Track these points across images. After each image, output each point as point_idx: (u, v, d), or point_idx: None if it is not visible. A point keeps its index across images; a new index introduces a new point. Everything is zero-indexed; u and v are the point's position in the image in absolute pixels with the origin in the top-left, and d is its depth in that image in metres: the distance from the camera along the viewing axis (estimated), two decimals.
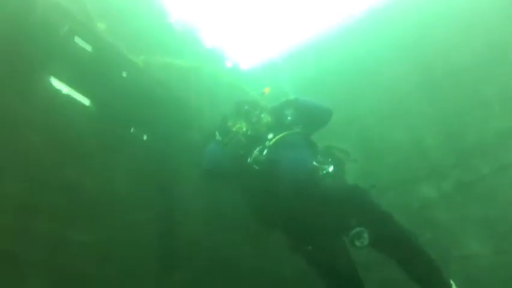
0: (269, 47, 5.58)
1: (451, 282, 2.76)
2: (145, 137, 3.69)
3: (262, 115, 3.28)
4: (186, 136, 3.84)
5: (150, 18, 4.29)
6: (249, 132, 3.17)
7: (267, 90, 3.48)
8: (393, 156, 4.58)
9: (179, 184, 3.71)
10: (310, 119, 3.28)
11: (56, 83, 2.94)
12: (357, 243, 2.67)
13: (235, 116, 3.27)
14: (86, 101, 3.17)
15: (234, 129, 3.17)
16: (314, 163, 2.91)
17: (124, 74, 3.50)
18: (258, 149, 2.99)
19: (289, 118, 3.21)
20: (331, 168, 2.87)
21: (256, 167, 2.93)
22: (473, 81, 4.29)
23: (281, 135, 3.07)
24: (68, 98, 3.03)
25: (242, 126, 3.20)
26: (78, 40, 3.16)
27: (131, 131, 3.58)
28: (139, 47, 3.78)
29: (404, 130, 4.61)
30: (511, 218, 3.73)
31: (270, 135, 3.10)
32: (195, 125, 3.90)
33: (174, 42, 4.42)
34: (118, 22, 3.68)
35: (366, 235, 2.66)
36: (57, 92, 2.96)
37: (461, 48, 4.42)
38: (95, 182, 2.96)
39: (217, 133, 3.21)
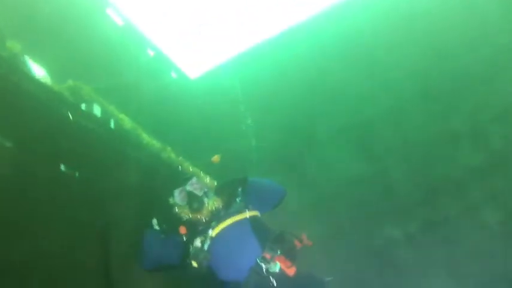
0: (216, 54, 5.08)
1: None
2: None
3: (207, 199, 2.78)
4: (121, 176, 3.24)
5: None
6: (190, 219, 2.69)
7: (216, 159, 2.99)
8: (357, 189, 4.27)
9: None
10: (261, 201, 2.83)
11: None
12: None
13: (176, 199, 2.77)
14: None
15: (175, 215, 2.71)
16: (258, 261, 2.47)
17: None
18: (199, 240, 2.58)
19: (238, 200, 2.76)
20: (275, 269, 2.45)
21: (195, 266, 2.51)
22: (443, 109, 4.06)
23: (224, 225, 2.62)
24: None
25: (184, 212, 2.73)
26: None
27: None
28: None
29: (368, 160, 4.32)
30: (476, 262, 3.56)
31: (213, 223, 2.64)
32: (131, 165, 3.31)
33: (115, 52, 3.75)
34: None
35: None
36: None
37: (432, 73, 4.16)
38: None
39: (154, 221, 2.70)
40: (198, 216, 2.67)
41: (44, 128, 2.76)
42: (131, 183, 3.49)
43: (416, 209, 3.92)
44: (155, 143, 2.93)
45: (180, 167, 2.93)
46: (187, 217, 2.69)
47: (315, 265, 3.93)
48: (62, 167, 3.04)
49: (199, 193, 2.77)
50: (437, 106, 4.07)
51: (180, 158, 2.95)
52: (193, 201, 2.71)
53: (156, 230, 2.67)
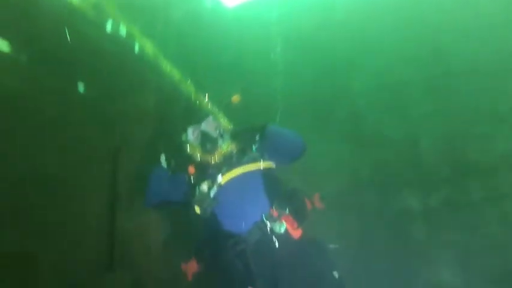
0: None
1: None
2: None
3: (221, 142, 2.61)
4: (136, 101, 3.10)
5: None
6: (201, 161, 2.55)
7: (236, 98, 2.71)
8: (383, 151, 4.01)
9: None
10: (278, 153, 2.63)
11: None
12: None
13: (189, 137, 2.63)
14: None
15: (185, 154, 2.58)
16: (264, 218, 2.33)
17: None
18: (206, 184, 2.43)
19: (254, 148, 2.56)
20: (280, 229, 2.29)
21: (198, 212, 2.39)
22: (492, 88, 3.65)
23: (235, 173, 2.47)
24: None
25: (196, 152, 2.54)
26: None
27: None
28: None
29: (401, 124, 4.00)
30: (490, 254, 3.38)
31: (224, 170, 2.49)
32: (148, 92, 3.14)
33: None
34: None
35: None
36: None
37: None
38: None
39: (162, 158, 2.55)
40: (210, 159, 2.54)
41: (62, 44, 2.61)
42: (146, 110, 3.38)
43: (440, 185, 3.68)
44: (176, 73, 2.71)
45: (198, 102, 2.72)
46: (198, 158, 2.56)
47: (321, 225, 3.90)
48: (79, 86, 2.94)
49: (214, 134, 2.59)
50: (487, 84, 3.66)
51: (200, 93, 2.74)
52: (207, 141, 2.55)
53: (163, 167, 2.57)
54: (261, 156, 2.57)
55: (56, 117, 2.71)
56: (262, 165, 2.54)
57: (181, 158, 2.59)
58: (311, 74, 4.34)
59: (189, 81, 2.77)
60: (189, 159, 2.57)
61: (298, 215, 2.40)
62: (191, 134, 2.60)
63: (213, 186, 2.41)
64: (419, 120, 3.95)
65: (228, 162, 2.53)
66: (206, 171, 2.52)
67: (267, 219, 2.31)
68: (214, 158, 2.52)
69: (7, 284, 2.28)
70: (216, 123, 2.65)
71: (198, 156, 2.54)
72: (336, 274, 2.32)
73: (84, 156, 3.02)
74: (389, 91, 4.13)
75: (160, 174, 2.57)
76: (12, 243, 2.37)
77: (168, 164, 2.56)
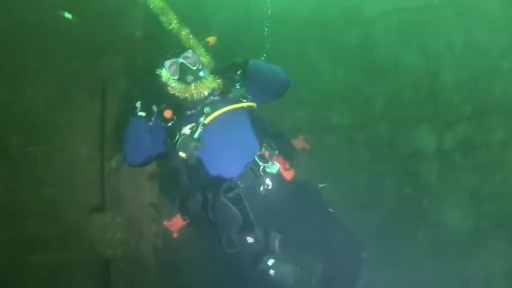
0: None
1: None
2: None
3: (203, 74, 2.27)
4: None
5: None
6: (178, 100, 2.22)
7: (212, 40, 2.38)
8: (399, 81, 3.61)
9: None
10: (261, 89, 2.35)
11: None
12: None
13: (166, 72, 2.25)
14: None
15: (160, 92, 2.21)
16: (255, 158, 2.12)
17: None
18: (189, 126, 2.17)
19: (237, 86, 2.28)
20: (273, 170, 2.09)
21: (183, 156, 2.10)
22: None
23: (220, 112, 2.19)
24: None
25: (173, 87, 2.20)
26: None
27: None
28: None
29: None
30: (504, 199, 3.16)
31: (207, 109, 2.21)
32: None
33: None
34: None
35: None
36: None
37: None
38: None
39: (138, 104, 2.19)
40: (189, 94, 2.23)
41: None
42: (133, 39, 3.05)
43: (458, 124, 3.35)
44: (157, 2, 2.30)
45: (178, 34, 2.35)
46: (175, 94, 2.24)
47: (330, 158, 3.66)
48: (63, 13, 2.63)
49: (193, 68, 2.26)
50: None
51: (180, 25, 2.36)
52: (186, 74, 2.22)
53: (140, 116, 2.24)
54: (245, 95, 2.31)
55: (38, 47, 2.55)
56: (246, 104, 2.29)
57: (156, 100, 2.27)
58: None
59: (170, 13, 2.35)
60: (165, 100, 2.26)
61: (288, 155, 2.23)
62: (168, 68, 2.26)
63: (196, 127, 2.13)
64: (441, 50, 3.50)
65: (210, 101, 2.24)
66: (185, 113, 2.23)
67: (258, 160, 2.10)
68: (194, 92, 2.19)
69: None
70: (196, 58, 2.32)
71: (176, 92, 2.20)
72: (331, 210, 2.23)
73: (71, 90, 2.79)
74: (408, 15, 3.61)
75: (139, 126, 2.24)
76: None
77: (148, 110, 2.22)
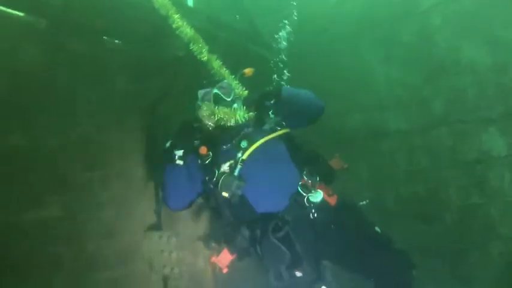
0: None
1: None
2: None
3: (236, 105, 2.24)
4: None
5: None
6: (213, 134, 2.20)
7: (249, 71, 2.35)
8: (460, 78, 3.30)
9: None
10: (296, 117, 2.26)
11: None
12: None
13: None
14: None
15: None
16: (299, 189, 2.08)
17: None
18: (228, 163, 2.10)
19: (271, 115, 2.17)
20: (318, 198, 2.04)
21: (226, 195, 2.03)
22: None
23: (257, 144, 2.11)
24: None
25: (207, 119, 2.17)
26: None
27: None
28: None
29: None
30: None
31: (243, 143, 2.13)
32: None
33: None
34: None
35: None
36: None
37: None
38: None
39: (178, 153, 2.14)
40: (222, 126, 2.18)
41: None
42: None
43: None
44: (188, 31, 2.28)
45: (209, 64, 2.32)
46: (209, 128, 2.20)
47: (387, 168, 3.44)
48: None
49: (227, 98, 2.23)
50: None
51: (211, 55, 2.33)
52: (220, 105, 2.19)
53: (175, 162, 2.17)
54: (280, 123, 2.23)
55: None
56: (282, 131, 2.23)
57: (190, 135, 2.24)
58: None
59: (201, 41, 2.34)
60: (199, 135, 2.23)
61: (329, 180, 2.21)
62: (202, 97, 2.23)
63: (235, 164, 2.07)
64: (511, 41, 3.11)
65: (245, 134, 2.18)
66: (221, 148, 2.18)
67: (302, 190, 2.06)
68: (229, 123, 2.14)
69: None
70: (230, 88, 2.29)
71: (209, 124, 2.16)
72: (378, 229, 2.18)
73: (123, 114, 2.87)
74: (469, 2, 3.26)
75: (178, 174, 2.20)
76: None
77: (186, 159, 2.19)
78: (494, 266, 3.02)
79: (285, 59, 3.29)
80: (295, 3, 3.80)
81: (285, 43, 3.48)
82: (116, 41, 2.91)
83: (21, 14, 2.30)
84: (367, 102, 3.63)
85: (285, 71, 3.17)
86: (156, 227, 2.97)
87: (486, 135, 3.17)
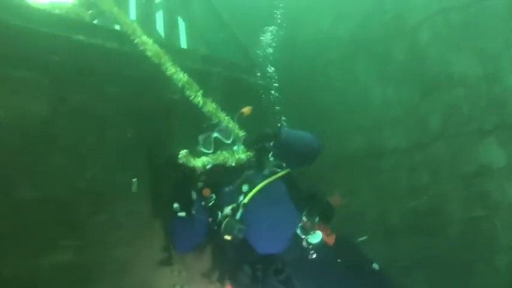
0: None
1: None
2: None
3: (236, 147, 2.34)
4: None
5: None
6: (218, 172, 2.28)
7: (247, 110, 2.42)
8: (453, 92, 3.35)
9: None
10: (295, 158, 2.36)
11: None
12: None
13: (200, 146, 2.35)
14: None
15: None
16: (297, 231, 2.15)
17: None
18: (230, 207, 2.18)
19: (270, 157, 2.30)
20: (317, 239, 2.12)
21: (228, 238, 2.13)
22: None
23: (257, 187, 2.21)
24: None
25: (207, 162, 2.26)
26: None
27: None
28: None
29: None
30: None
31: (245, 187, 2.23)
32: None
33: None
34: None
35: None
36: None
37: None
38: None
39: (176, 206, 2.23)
40: (224, 168, 2.28)
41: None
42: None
43: None
44: (182, 77, 2.40)
45: (204, 108, 2.43)
46: (212, 171, 2.30)
47: (387, 185, 3.46)
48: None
49: (227, 141, 2.34)
50: None
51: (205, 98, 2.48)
52: (220, 148, 2.33)
53: (181, 216, 2.27)
54: (280, 165, 2.34)
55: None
56: (281, 173, 2.32)
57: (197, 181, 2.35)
58: (359, 11, 3.62)
59: (195, 86, 2.45)
60: (203, 178, 2.35)
61: (327, 219, 2.25)
62: (202, 142, 2.34)
63: (237, 207, 2.17)
64: (499, 49, 3.15)
65: (246, 177, 2.29)
66: (223, 190, 2.29)
67: (302, 233, 2.12)
68: (230, 167, 2.26)
69: None
70: (228, 131, 2.40)
71: (210, 164, 2.27)
72: (376, 266, 2.22)
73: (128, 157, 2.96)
74: (455, 15, 3.31)
75: (183, 225, 2.31)
76: None
77: (187, 209, 2.23)
78: (501, 277, 3.03)
79: (277, 85, 3.40)
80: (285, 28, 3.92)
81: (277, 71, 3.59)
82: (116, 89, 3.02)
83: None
84: (364, 122, 3.69)
85: (279, 102, 3.27)
86: (167, 262, 3.08)
87: (483, 147, 3.20)
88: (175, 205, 2.23)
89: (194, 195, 2.29)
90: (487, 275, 3.09)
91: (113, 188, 2.94)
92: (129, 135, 2.95)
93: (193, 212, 2.23)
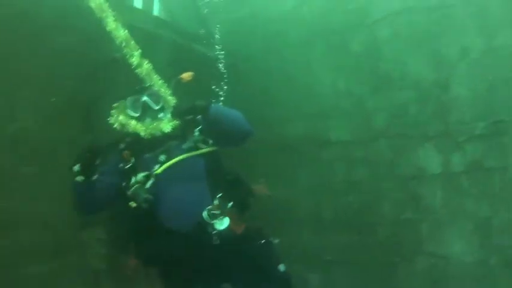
0: None
1: None
2: None
3: (162, 115, 2.21)
4: None
5: None
6: (136, 140, 2.16)
7: (187, 75, 2.25)
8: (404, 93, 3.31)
9: None
10: (221, 137, 2.21)
11: None
12: None
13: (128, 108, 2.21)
14: None
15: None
16: (204, 214, 1.99)
17: None
18: (142, 175, 2.03)
19: (196, 132, 2.15)
20: (223, 226, 1.98)
21: (134, 205, 1.99)
22: None
23: (174, 160, 2.07)
24: None
25: (130, 126, 2.15)
26: None
27: None
28: None
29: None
30: None
31: (162, 157, 2.10)
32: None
33: None
34: None
35: None
36: None
37: None
38: None
39: (77, 167, 1.97)
40: (145, 134, 2.17)
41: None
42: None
43: (469, 144, 2.98)
44: (121, 34, 2.28)
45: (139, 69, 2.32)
46: (133, 133, 2.18)
47: (327, 176, 3.43)
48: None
49: (155, 106, 2.20)
50: None
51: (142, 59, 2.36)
52: (146, 113, 2.20)
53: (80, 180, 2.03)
54: (205, 141, 2.18)
55: None
56: (205, 150, 2.16)
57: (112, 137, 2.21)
58: None
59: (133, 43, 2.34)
60: (125, 140, 2.19)
61: (242, 208, 2.14)
62: (130, 105, 2.21)
63: (149, 176, 2.03)
64: (454, 58, 3.12)
65: (167, 147, 2.14)
66: (142, 156, 2.13)
67: (209, 217, 1.99)
68: (151, 135, 2.13)
69: None
70: (159, 96, 2.26)
71: (135, 130, 2.15)
72: (281, 267, 2.13)
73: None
74: (418, 17, 3.25)
75: (80, 187, 2.06)
76: None
77: (88, 172, 2.00)
78: (418, 280, 3.05)
79: (228, 60, 3.28)
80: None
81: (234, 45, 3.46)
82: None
83: None
84: (311, 110, 3.61)
85: (224, 76, 3.16)
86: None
87: (423, 152, 3.17)
88: (76, 167, 2.01)
89: (99, 160, 2.12)
90: (408, 277, 3.11)
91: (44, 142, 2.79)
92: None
93: (95, 176, 2.04)
